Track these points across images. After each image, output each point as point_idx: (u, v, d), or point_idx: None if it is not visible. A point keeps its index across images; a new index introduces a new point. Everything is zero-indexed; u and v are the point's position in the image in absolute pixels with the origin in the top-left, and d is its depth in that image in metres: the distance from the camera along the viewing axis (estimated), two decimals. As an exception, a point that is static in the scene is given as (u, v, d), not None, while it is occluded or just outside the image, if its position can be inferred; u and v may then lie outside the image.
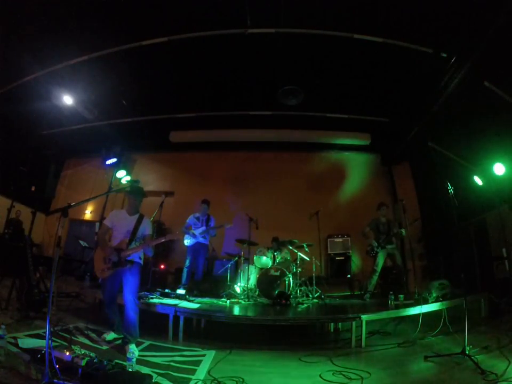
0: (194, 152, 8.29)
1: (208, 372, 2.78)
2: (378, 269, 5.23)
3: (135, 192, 3.49)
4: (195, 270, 5.63)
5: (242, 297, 5.20)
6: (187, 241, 5.64)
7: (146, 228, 3.45)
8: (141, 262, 3.41)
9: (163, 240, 3.43)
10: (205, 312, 4.07)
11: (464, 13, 3.92)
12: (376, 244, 5.30)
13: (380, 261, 5.24)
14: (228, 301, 4.76)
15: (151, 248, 3.49)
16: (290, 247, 5.67)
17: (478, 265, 5.76)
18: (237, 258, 5.98)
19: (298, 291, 5.26)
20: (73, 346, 2.63)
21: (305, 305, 4.87)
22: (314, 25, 4.61)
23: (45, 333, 2.20)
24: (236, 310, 4.40)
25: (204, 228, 5.65)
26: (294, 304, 4.76)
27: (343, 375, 2.73)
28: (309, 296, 5.31)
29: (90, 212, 8.37)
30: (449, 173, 6.08)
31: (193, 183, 8.11)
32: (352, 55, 5.07)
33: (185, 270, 5.58)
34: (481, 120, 5.08)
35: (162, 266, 6.87)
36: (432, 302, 4.12)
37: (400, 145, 7.10)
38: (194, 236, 5.56)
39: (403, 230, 5.17)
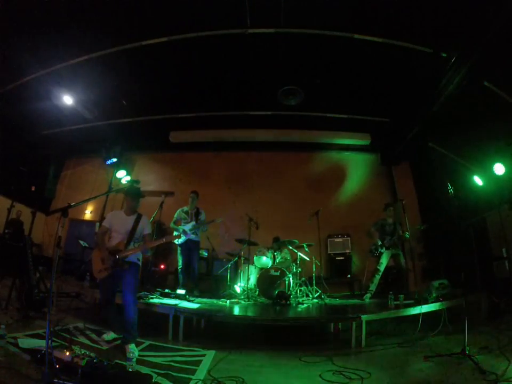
0: (194, 152, 8.29)
1: (208, 372, 2.79)
2: (382, 268, 5.20)
3: (132, 193, 3.52)
4: (190, 269, 5.47)
5: (242, 297, 5.19)
6: (177, 239, 5.24)
7: (145, 227, 3.48)
8: (139, 263, 3.44)
9: (162, 242, 3.47)
10: (205, 312, 4.07)
11: (464, 13, 3.93)
12: (381, 243, 5.28)
13: (384, 261, 5.21)
14: (228, 301, 4.76)
15: (149, 249, 3.51)
16: (290, 247, 5.66)
17: (478, 265, 5.75)
18: (237, 258, 5.98)
19: (298, 291, 5.26)
20: (73, 346, 2.62)
21: (305, 305, 4.86)
22: (314, 25, 4.62)
23: (45, 333, 2.20)
24: (236, 310, 4.39)
25: (193, 222, 5.43)
26: (294, 304, 4.76)
27: (343, 375, 2.73)
28: (309, 296, 5.30)
29: (90, 212, 8.36)
30: (449, 173, 6.10)
31: (193, 183, 8.10)
32: (352, 55, 5.08)
33: (179, 271, 5.45)
34: (481, 120, 5.08)
35: (162, 266, 6.86)
36: (432, 302, 4.11)
37: (400, 145, 7.09)
38: (184, 233, 5.16)
39: (407, 233, 5.12)
